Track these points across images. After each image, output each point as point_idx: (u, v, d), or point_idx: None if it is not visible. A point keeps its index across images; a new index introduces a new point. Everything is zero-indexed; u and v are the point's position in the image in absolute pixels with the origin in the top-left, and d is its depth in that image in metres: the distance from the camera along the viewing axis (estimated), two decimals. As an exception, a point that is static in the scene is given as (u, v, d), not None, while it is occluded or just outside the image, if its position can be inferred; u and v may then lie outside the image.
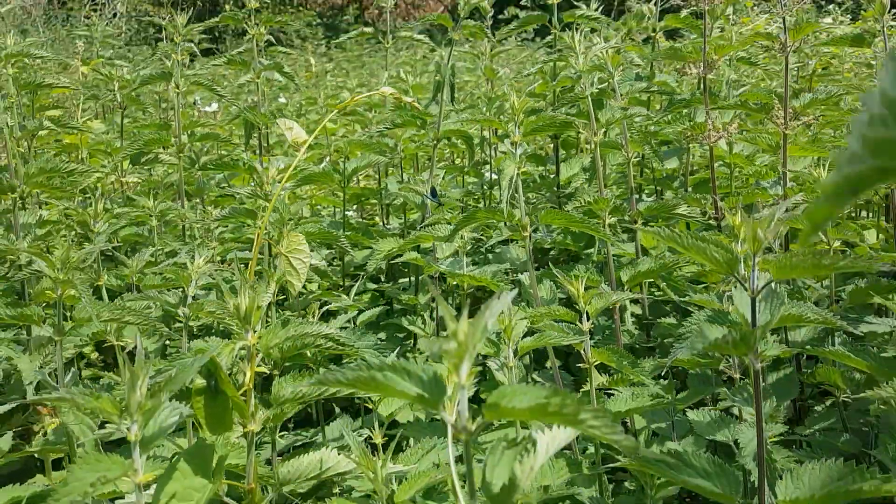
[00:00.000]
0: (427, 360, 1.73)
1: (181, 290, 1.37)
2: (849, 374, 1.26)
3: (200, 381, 0.88)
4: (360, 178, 3.24)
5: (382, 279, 2.56)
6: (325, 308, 1.80)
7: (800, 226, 1.29)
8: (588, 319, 1.14)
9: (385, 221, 2.77)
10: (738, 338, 0.77)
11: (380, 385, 0.58)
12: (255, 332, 0.90)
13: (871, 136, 0.31)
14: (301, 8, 14.24)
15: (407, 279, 2.39)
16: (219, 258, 1.89)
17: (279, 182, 1.59)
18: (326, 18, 14.64)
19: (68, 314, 1.25)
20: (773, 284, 0.89)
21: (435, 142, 2.08)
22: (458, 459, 0.76)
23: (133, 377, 0.71)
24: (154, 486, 0.85)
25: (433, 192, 1.80)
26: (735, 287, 0.88)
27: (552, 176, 2.45)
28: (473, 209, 1.45)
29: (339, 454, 0.95)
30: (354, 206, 3.00)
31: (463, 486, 0.61)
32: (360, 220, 2.93)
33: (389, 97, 1.43)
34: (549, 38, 2.42)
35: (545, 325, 1.16)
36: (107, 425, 0.85)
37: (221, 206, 2.17)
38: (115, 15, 12.46)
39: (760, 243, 0.80)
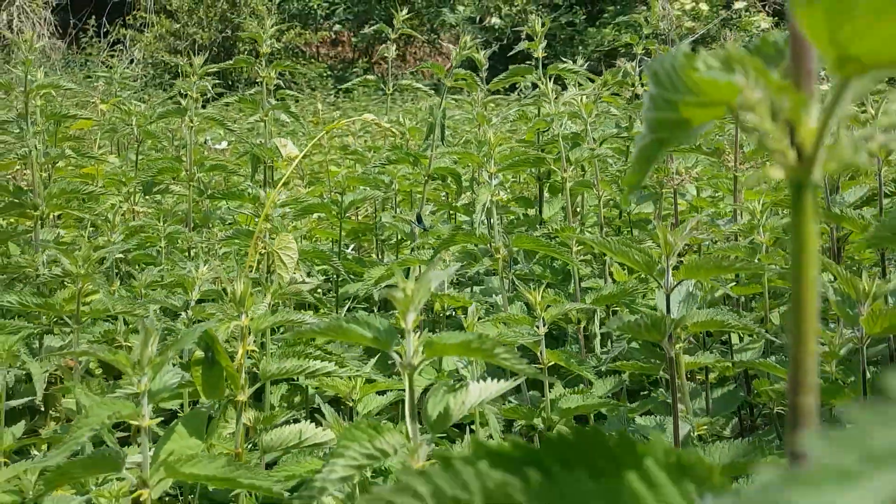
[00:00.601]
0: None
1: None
2: (781, 387, 1.40)
3: (199, 353, 1.04)
4: (360, 216, 3.42)
5: (375, 310, 2.72)
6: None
7: (739, 252, 1.45)
8: (544, 325, 1.30)
9: (380, 257, 2.94)
10: (650, 322, 0.93)
11: (346, 331, 0.74)
12: (247, 315, 1.06)
13: (647, 117, 0.47)
14: (313, 60, 14.72)
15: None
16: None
17: (281, 207, 1.77)
18: (337, 71, 15.13)
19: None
20: (690, 289, 1.05)
21: (426, 178, 2.26)
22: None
23: (146, 335, 0.87)
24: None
25: (419, 219, 1.98)
26: (657, 289, 1.04)
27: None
28: (454, 233, 1.62)
29: (316, 426, 1.10)
30: (352, 246, 3.18)
31: (411, 416, 0.76)
32: (357, 255, 3.11)
33: (372, 123, 1.62)
34: (537, 90, 2.64)
35: (508, 331, 1.32)
36: (116, 389, 1.00)
37: (226, 229, 2.35)
38: (131, 61, 12.90)
39: (672, 247, 0.96)
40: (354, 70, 14.84)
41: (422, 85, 3.07)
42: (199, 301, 1.61)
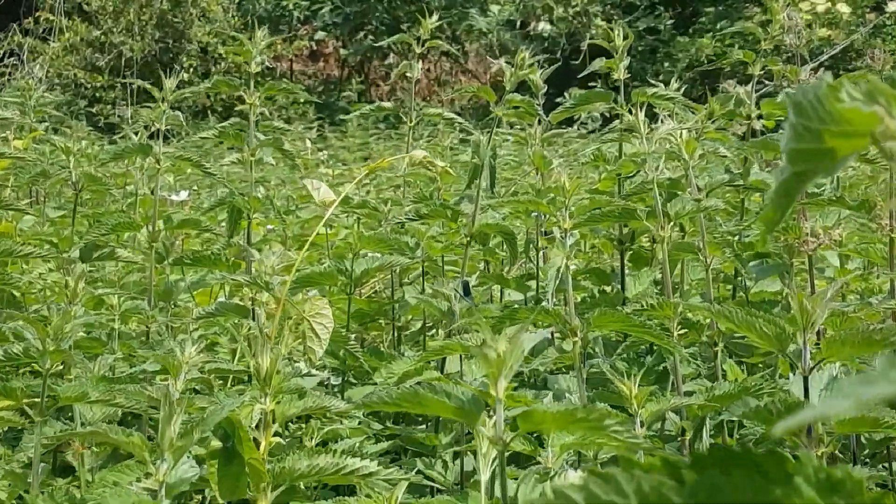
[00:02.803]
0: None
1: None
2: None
3: (216, 443, 1.22)
4: (363, 293, 3.62)
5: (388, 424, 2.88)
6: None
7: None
8: (642, 426, 1.46)
9: (398, 349, 3.11)
10: (784, 409, 1.10)
11: (422, 400, 0.92)
12: (272, 397, 1.25)
13: (787, 148, 0.66)
14: (285, 79, 15.25)
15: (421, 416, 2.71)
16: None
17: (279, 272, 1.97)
18: (317, 94, 15.57)
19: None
20: (834, 371, 1.22)
21: (468, 239, 2.47)
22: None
23: (171, 410, 1.05)
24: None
25: (465, 290, 2.15)
26: (792, 374, 1.22)
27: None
28: (513, 308, 1.81)
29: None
30: (353, 336, 3.36)
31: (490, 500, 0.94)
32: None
33: (423, 162, 1.82)
34: (614, 123, 2.86)
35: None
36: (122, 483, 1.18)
37: (200, 304, 2.55)
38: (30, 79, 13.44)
39: (809, 316, 1.14)
40: (344, 94, 15.33)
41: (453, 114, 3.28)
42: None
